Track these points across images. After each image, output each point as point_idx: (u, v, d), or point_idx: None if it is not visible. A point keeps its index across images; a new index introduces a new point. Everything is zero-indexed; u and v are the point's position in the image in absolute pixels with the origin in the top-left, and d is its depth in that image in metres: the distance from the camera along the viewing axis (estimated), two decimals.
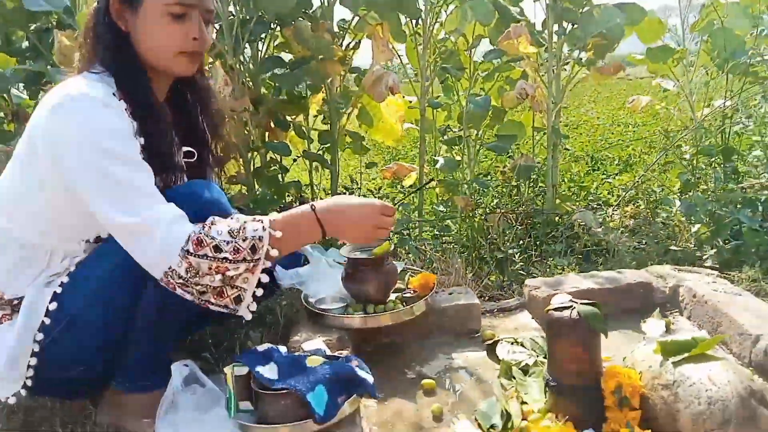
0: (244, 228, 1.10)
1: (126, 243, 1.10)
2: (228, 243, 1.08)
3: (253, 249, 1.10)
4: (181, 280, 1.08)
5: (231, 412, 1.17)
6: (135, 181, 1.09)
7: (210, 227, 1.09)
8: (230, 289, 1.11)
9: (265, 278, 1.52)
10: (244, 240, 1.09)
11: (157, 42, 1.17)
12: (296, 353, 1.31)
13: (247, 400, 1.18)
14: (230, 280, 1.10)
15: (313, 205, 1.19)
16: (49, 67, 2.14)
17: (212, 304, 1.12)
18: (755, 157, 2.43)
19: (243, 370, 1.17)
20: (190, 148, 1.35)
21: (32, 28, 2.22)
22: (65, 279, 1.17)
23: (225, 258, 1.08)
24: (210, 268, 1.07)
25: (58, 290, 1.16)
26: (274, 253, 1.12)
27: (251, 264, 1.10)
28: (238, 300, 1.12)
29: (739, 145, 2.75)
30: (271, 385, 1.14)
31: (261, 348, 1.22)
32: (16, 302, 1.16)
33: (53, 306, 1.15)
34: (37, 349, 1.14)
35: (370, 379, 1.23)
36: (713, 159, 2.60)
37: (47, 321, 1.15)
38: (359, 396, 1.21)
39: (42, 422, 1.32)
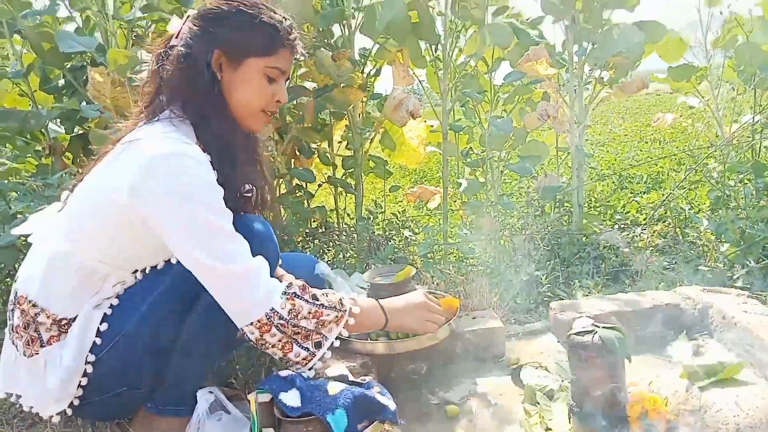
0: (329, 292, 1.29)
1: (219, 287, 1.17)
2: (323, 295, 1.27)
3: (341, 304, 1.27)
4: (281, 321, 1.19)
5: None
6: (226, 229, 1.17)
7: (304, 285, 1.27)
8: (316, 335, 1.23)
9: None
10: (333, 295, 1.29)
11: (248, 96, 1.27)
12: (319, 378, 1.32)
13: (270, 427, 1.19)
14: (321, 325, 1.23)
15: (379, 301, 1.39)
16: (83, 104, 2.24)
17: (290, 351, 1.22)
18: None
19: (266, 397, 1.19)
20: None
21: (68, 66, 2.33)
22: (115, 301, 1.24)
23: (321, 304, 1.24)
24: (309, 312, 1.22)
25: (108, 311, 1.22)
26: (351, 321, 1.28)
27: (339, 313, 1.26)
28: (318, 345, 1.24)
29: None
30: (292, 414, 1.15)
31: (284, 373, 1.23)
32: (64, 322, 1.21)
33: (104, 327, 1.21)
34: (90, 369, 1.21)
35: (391, 405, 1.23)
36: (743, 175, 2.55)
37: (98, 341, 1.21)
38: (381, 422, 1.22)
39: None
